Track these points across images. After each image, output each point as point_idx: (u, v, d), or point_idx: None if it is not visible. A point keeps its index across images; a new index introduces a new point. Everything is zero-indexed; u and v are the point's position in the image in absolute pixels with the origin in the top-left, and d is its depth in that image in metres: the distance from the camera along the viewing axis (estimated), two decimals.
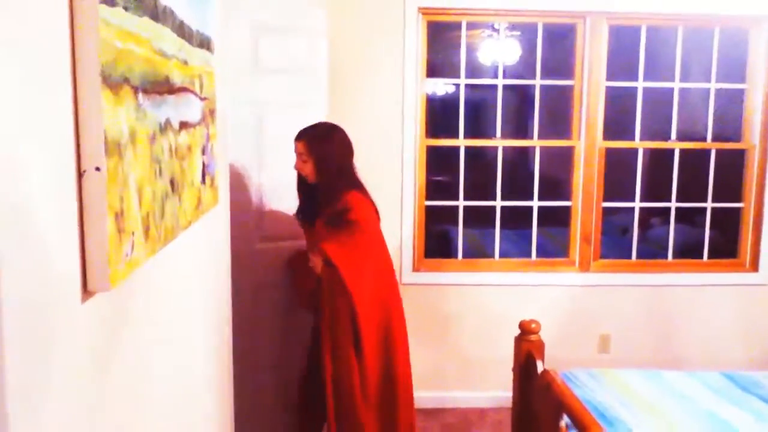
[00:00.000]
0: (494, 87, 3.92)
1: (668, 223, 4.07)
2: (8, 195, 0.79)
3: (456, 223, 4.00)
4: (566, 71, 3.92)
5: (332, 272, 2.61)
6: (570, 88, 3.89)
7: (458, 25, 3.84)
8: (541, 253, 4.03)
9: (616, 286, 3.91)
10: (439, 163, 4.28)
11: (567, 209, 3.97)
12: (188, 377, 1.78)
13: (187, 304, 1.74)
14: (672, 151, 3.97)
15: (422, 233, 3.87)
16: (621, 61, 4.05)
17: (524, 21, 3.93)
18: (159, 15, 1.32)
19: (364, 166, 3.14)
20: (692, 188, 4.08)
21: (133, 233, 1.14)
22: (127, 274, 1.11)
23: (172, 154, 1.44)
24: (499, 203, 3.95)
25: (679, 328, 3.96)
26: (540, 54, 3.85)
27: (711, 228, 4.03)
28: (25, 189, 0.83)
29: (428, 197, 3.87)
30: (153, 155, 1.28)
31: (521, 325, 2.72)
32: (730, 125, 4.15)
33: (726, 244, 4.21)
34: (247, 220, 2.96)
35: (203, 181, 1.79)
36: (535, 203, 3.97)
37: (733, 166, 4.02)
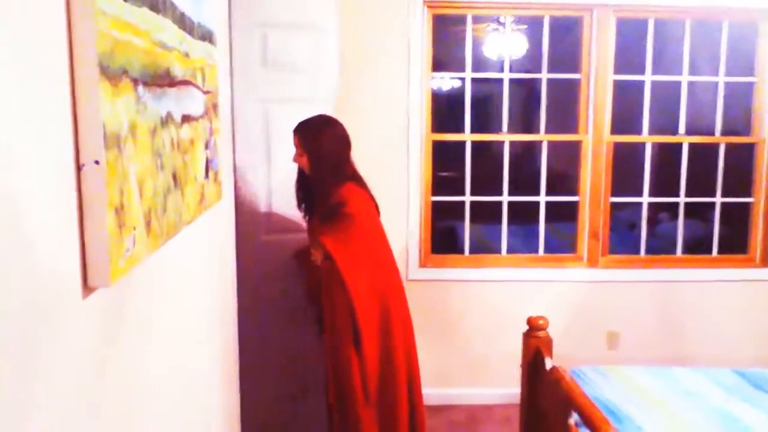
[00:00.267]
0: (500, 81, 3.88)
1: (677, 218, 4.03)
2: (5, 189, 0.76)
3: (462, 219, 3.97)
4: (573, 65, 3.88)
5: (331, 266, 2.61)
6: (577, 82, 3.85)
7: (463, 19, 3.81)
8: (548, 248, 4.00)
9: (625, 282, 3.87)
10: (445, 158, 4.24)
11: (574, 204, 3.94)
12: (192, 373, 1.76)
13: (190, 300, 1.72)
14: (680, 145, 3.92)
15: (428, 229, 3.84)
16: (628, 55, 4.01)
17: (530, 14, 3.89)
18: (159, 6, 1.30)
19: (369, 161, 3.12)
20: (701, 183, 4.04)
21: (134, 228, 1.12)
22: (128, 269, 1.09)
23: (174, 148, 1.42)
24: (505, 198, 3.91)
25: (688, 325, 3.92)
26: (546, 47, 3.81)
27: (720, 223, 3.99)
28: (23, 183, 0.81)
29: (434, 192, 3.84)
30: (154, 149, 1.26)
31: (529, 322, 2.69)
32: (739, 119, 4.10)
33: (735, 240, 4.17)
34: (255, 212, 3.03)
35: (206, 175, 1.77)
36: (542, 198, 3.94)
37: (742, 160, 3.98)
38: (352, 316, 2.60)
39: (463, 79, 3.90)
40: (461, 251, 4.07)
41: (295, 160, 2.76)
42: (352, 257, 2.63)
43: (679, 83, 3.88)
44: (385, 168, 3.65)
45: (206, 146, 1.78)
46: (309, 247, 2.87)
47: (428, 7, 3.65)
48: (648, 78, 3.85)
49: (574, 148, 3.91)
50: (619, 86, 3.83)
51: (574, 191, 3.94)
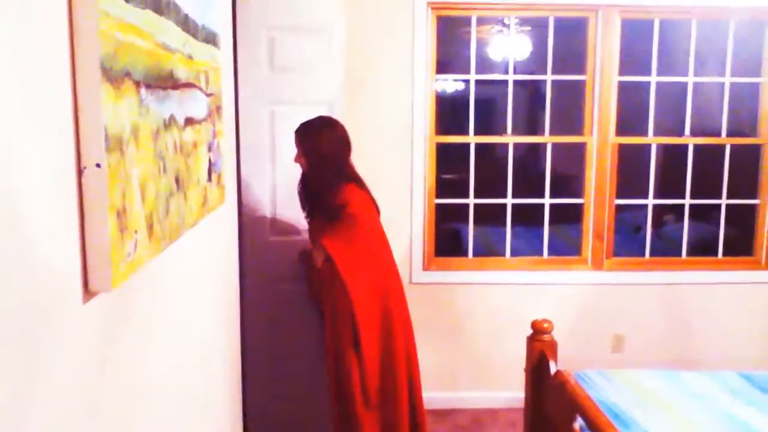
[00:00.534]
0: (504, 83, 3.87)
1: (682, 220, 4.01)
2: (5, 191, 0.75)
3: (466, 221, 3.95)
4: (578, 66, 3.86)
5: (331, 267, 2.60)
6: (582, 83, 3.83)
7: (468, 21, 3.79)
8: (552, 251, 3.98)
9: (630, 284, 3.85)
10: (449, 160, 4.23)
11: (579, 206, 3.92)
12: (194, 377, 1.75)
13: (193, 304, 1.71)
14: (686, 146, 3.90)
15: (432, 231, 3.83)
16: (633, 55, 3.99)
17: (535, 15, 3.87)
18: (162, 8, 1.29)
19: (373, 163, 3.11)
20: (706, 184, 4.01)
21: (135, 232, 1.11)
22: (129, 273, 1.08)
23: (176, 151, 1.41)
24: (510, 201, 3.90)
25: (694, 327, 3.90)
26: (551, 49, 3.80)
27: (726, 225, 3.96)
28: (23, 186, 0.80)
29: (438, 195, 3.82)
30: (157, 152, 1.25)
31: (533, 325, 2.67)
32: (745, 120, 4.08)
33: (741, 242, 4.14)
34: (260, 214, 3.07)
35: (209, 178, 1.76)
36: (547, 200, 3.92)
37: (748, 161, 3.95)
38: (352, 319, 2.60)
39: (467, 81, 3.89)
40: (465, 254, 4.05)
41: (296, 160, 2.78)
42: (353, 259, 2.62)
43: (684, 84, 3.86)
44: (388, 170, 3.63)
45: (209, 149, 1.77)
46: (311, 248, 2.87)
47: (432, 8, 3.64)
48: (653, 79, 3.83)
49: (579, 150, 3.90)
50: (624, 87, 3.81)
51: (578, 193, 3.92)
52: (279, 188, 3.08)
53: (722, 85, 3.88)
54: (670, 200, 4.23)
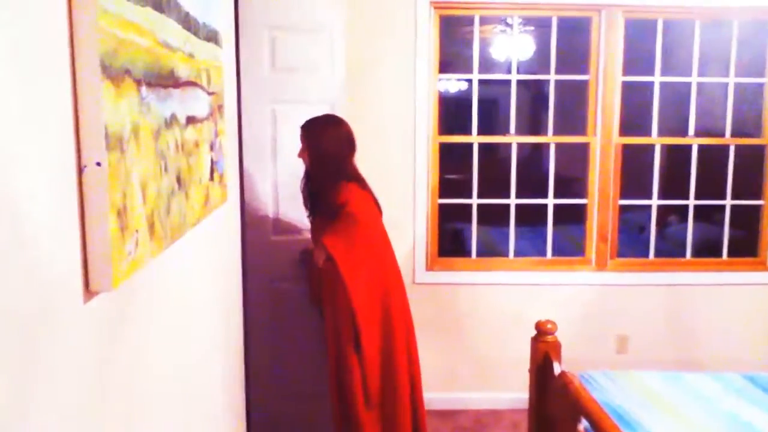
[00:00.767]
0: (508, 83, 3.86)
1: (686, 220, 3.99)
2: (5, 191, 0.74)
3: (470, 222, 3.94)
4: (581, 66, 3.84)
5: (332, 267, 2.60)
6: (585, 83, 3.82)
7: (471, 21, 3.78)
8: (556, 251, 3.96)
9: (634, 285, 3.84)
10: (452, 160, 4.22)
11: (583, 207, 3.90)
12: (196, 376, 1.74)
13: (195, 303, 1.70)
14: (690, 147, 3.88)
15: (435, 232, 3.81)
16: (637, 55, 3.97)
17: (538, 14, 3.86)
18: (163, 5, 1.28)
19: (376, 163, 3.11)
20: (711, 185, 3.99)
21: (136, 231, 1.10)
22: (130, 273, 1.07)
23: (178, 150, 1.40)
24: (513, 201, 3.88)
25: (698, 328, 3.88)
26: (554, 49, 3.78)
27: (730, 226, 3.94)
28: (23, 184, 0.79)
29: (441, 195, 3.81)
30: (158, 151, 1.24)
31: (537, 326, 2.66)
32: (749, 120, 4.06)
33: (745, 243, 4.12)
34: (263, 212, 3.09)
35: (211, 177, 1.75)
36: (550, 201, 3.90)
37: (752, 162, 3.93)
38: (353, 318, 2.59)
39: (470, 81, 3.88)
40: (468, 254, 4.04)
41: (299, 155, 2.79)
42: (354, 259, 2.62)
43: (688, 84, 3.84)
44: (391, 170, 3.62)
45: (211, 148, 1.77)
46: (312, 248, 2.87)
47: (435, 8, 3.63)
48: (657, 79, 3.81)
49: (583, 150, 3.88)
50: (627, 87, 3.79)
51: (582, 194, 3.91)
52: (281, 187, 3.08)
53: (726, 85, 3.86)
54: (674, 201, 4.22)
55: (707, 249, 4.19)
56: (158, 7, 1.25)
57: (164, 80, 1.30)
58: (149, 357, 1.29)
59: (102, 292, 0.99)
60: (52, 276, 0.87)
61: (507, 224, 3.91)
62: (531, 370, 2.70)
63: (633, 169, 3.98)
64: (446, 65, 3.91)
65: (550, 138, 3.93)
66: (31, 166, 0.82)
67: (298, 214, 3.03)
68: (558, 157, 3.88)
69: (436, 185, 3.78)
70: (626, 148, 3.83)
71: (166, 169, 1.29)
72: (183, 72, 1.46)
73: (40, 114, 0.84)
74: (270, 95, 3.03)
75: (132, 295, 1.17)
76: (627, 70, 3.77)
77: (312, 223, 2.87)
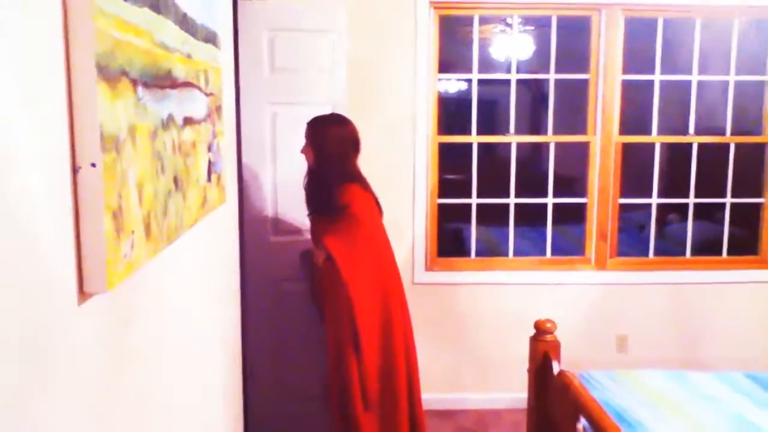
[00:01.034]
0: (507, 83, 3.85)
1: (686, 219, 3.99)
2: None
3: (469, 221, 3.93)
4: (581, 65, 3.84)
5: (333, 266, 2.60)
6: (585, 83, 3.81)
7: (470, 20, 3.78)
8: (556, 250, 3.96)
9: (634, 284, 3.83)
10: (452, 160, 4.21)
11: (583, 206, 3.90)
12: (194, 378, 1.74)
13: (193, 305, 1.70)
14: (690, 145, 3.88)
15: (435, 232, 3.81)
16: (637, 54, 3.97)
17: (538, 14, 3.85)
18: (160, 6, 1.28)
19: (375, 163, 3.10)
20: (711, 183, 3.99)
21: (132, 232, 1.09)
22: (126, 275, 1.06)
23: (175, 151, 1.39)
24: (513, 200, 3.88)
25: (698, 327, 3.88)
26: (554, 47, 3.78)
27: (730, 224, 3.94)
28: (17, 186, 0.79)
29: (441, 195, 3.81)
30: (154, 152, 1.24)
31: (536, 325, 2.66)
32: (750, 118, 4.05)
33: (746, 241, 4.11)
34: (262, 214, 3.09)
35: (209, 179, 1.75)
36: (550, 200, 3.90)
37: (753, 160, 3.93)
38: (352, 318, 2.59)
39: (469, 81, 3.87)
40: (468, 254, 4.04)
41: (302, 151, 2.79)
42: (354, 258, 2.62)
43: (688, 83, 3.83)
44: (391, 170, 3.62)
45: (209, 149, 1.76)
46: (312, 247, 2.87)
47: (435, 8, 3.63)
48: (657, 77, 3.81)
49: (583, 149, 3.87)
50: (627, 86, 3.79)
51: (582, 193, 3.90)
52: (280, 188, 3.08)
53: (726, 83, 3.86)
54: (674, 199, 4.21)
55: (707, 247, 4.18)
56: (156, 8, 1.25)
57: (161, 81, 1.29)
58: (147, 359, 1.28)
59: (97, 293, 0.99)
60: (46, 277, 0.86)
61: (507, 224, 3.90)
62: (530, 370, 2.70)
63: (633, 167, 3.97)
64: (446, 65, 3.91)
65: (549, 137, 3.92)
66: (26, 167, 0.81)
67: (297, 215, 3.03)
68: (558, 156, 3.87)
69: (436, 185, 3.77)
70: (626, 146, 3.82)
71: (162, 171, 1.29)
72: (180, 73, 1.46)
73: (34, 114, 0.84)
74: (269, 96, 3.03)
75: (128, 297, 1.16)
76: (627, 68, 3.77)
77: (312, 221, 2.87)
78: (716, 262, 3.95)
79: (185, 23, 1.52)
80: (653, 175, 3.89)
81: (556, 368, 2.52)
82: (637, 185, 4.11)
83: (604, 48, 3.71)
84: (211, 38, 1.83)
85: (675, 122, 4.13)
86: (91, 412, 1.01)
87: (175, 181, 1.39)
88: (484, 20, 4.13)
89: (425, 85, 3.61)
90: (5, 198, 0.76)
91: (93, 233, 0.95)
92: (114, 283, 1.00)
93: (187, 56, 1.53)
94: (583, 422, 2.26)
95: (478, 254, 3.96)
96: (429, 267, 3.77)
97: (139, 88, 1.15)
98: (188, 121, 1.52)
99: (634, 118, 4.12)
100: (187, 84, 1.53)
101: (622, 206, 3.88)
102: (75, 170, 0.94)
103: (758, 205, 3.94)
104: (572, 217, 4.18)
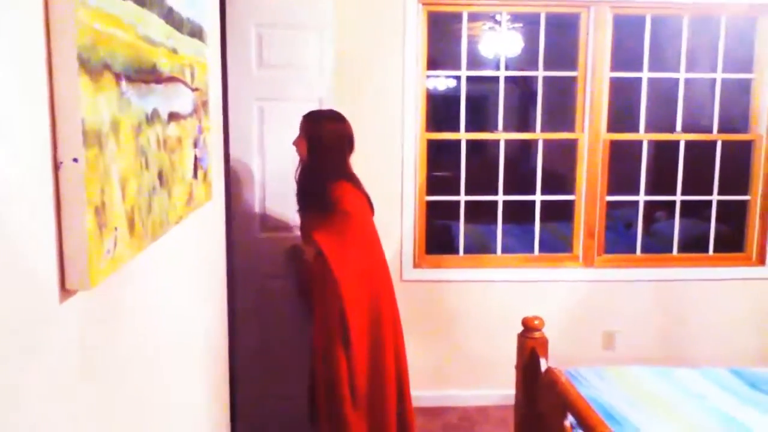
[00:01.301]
0: (496, 80, 3.85)
1: (673, 216, 4.01)
2: None
3: (457, 219, 3.93)
4: (569, 62, 3.85)
5: (322, 261, 2.59)
6: (573, 80, 3.82)
7: (459, 17, 3.77)
8: (544, 248, 3.97)
9: (621, 281, 3.85)
10: (440, 157, 4.20)
11: (570, 203, 3.91)
12: (180, 377, 1.72)
13: (179, 302, 1.68)
14: (677, 142, 3.90)
15: (423, 229, 3.81)
16: (625, 52, 3.98)
17: (527, 10, 3.85)
18: None
19: (364, 160, 3.09)
20: (698, 181, 4.01)
21: (116, 228, 1.08)
22: (109, 272, 1.05)
23: (160, 147, 1.38)
24: (501, 198, 3.88)
25: (685, 324, 3.90)
26: (543, 45, 3.78)
27: (717, 221, 3.96)
28: None
29: (429, 192, 3.80)
30: (138, 147, 1.22)
31: (524, 322, 2.66)
32: (736, 116, 4.08)
33: (732, 238, 4.14)
34: (250, 210, 3.08)
35: (195, 175, 1.73)
36: (538, 197, 3.91)
37: (739, 157, 3.95)
38: (342, 314, 2.58)
39: (458, 78, 3.87)
40: (456, 251, 4.04)
41: (294, 143, 2.78)
42: (344, 255, 2.61)
43: (676, 80, 3.85)
44: (379, 167, 3.61)
45: (195, 145, 1.74)
46: (302, 243, 2.86)
47: (423, 4, 3.62)
48: (645, 75, 3.82)
49: (571, 147, 3.88)
50: (615, 83, 3.80)
51: (570, 190, 3.91)
52: (268, 185, 3.07)
53: (713, 81, 3.88)
54: (661, 197, 4.23)
55: (694, 244, 4.21)
56: (140, 1, 1.23)
57: (146, 75, 1.28)
58: (131, 357, 1.27)
59: (79, 290, 0.97)
60: (27, 274, 0.85)
61: (495, 221, 3.91)
62: (518, 367, 2.70)
63: (620, 165, 3.98)
64: (434, 62, 3.90)
65: (538, 134, 3.93)
66: (6, 162, 0.80)
67: (285, 212, 3.02)
68: (546, 153, 3.88)
69: (424, 182, 3.77)
70: (614, 144, 3.83)
71: (147, 166, 1.27)
72: (166, 67, 1.44)
73: (14, 109, 0.82)
74: (257, 92, 3.02)
75: (112, 294, 1.15)
76: (615, 66, 3.78)
77: (302, 217, 2.85)
78: (703, 259, 3.97)
79: (171, 17, 1.50)
80: (641, 173, 3.91)
81: (543, 365, 2.52)
82: (624, 183, 4.12)
83: (592, 45, 3.72)
84: (197, 33, 1.81)
85: (662, 120, 4.15)
86: (71, 413, 0.99)
87: (160, 177, 1.37)
88: (472, 17, 4.13)
89: (414, 81, 3.61)
90: None
91: (75, 229, 0.93)
92: (97, 280, 0.98)
93: (173, 51, 1.51)
94: (570, 419, 2.27)
95: (466, 251, 3.96)
96: (417, 264, 3.77)
97: (123, 83, 1.13)
98: (174, 116, 1.50)
99: (621, 116, 4.13)
100: (173, 79, 1.51)
101: (610, 203, 3.89)
102: (57, 165, 0.92)
103: (744, 203, 3.96)
104: (560, 214, 4.19)
